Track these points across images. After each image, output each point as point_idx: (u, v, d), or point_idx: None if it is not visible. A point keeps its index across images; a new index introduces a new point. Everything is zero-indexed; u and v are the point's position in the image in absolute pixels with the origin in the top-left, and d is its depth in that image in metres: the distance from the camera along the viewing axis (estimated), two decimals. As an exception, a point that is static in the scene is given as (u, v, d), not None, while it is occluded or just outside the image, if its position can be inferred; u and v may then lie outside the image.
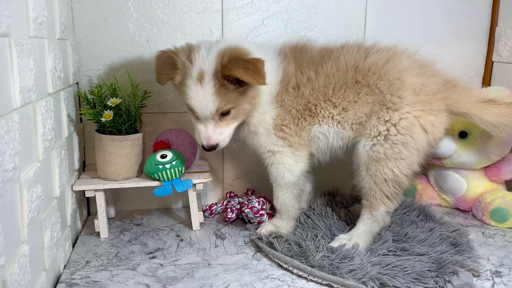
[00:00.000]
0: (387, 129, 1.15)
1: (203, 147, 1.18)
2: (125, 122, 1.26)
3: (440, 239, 1.24)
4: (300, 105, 1.19)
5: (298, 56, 1.21)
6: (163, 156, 1.29)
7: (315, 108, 1.19)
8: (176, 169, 1.28)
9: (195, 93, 1.11)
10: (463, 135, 1.39)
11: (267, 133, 1.22)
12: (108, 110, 1.23)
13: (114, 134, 1.26)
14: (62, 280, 1.08)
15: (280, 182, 1.26)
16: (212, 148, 1.17)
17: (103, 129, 1.28)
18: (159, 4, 1.39)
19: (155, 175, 1.28)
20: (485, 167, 1.46)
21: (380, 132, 1.15)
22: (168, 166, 1.28)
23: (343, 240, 1.20)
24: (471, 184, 1.47)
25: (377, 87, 1.15)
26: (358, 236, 1.20)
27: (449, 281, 1.04)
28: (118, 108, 1.25)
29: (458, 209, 1.54)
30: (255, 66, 1.05)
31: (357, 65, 1.17)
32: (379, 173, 1.16)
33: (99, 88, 1.26)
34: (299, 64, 1.20)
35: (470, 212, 1.50)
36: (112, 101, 1.24)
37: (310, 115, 1.20)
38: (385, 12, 1.52)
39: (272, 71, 1.16)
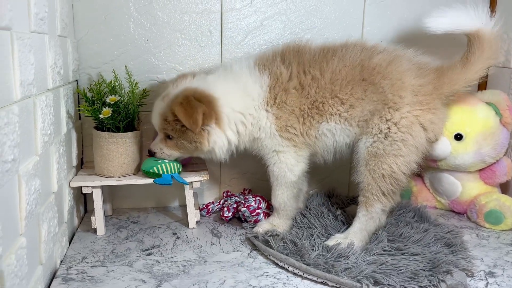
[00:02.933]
0: (388, 128, 1.18)
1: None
2: (123, 120, 1.27)
3: (435, 240, 1.25)
4: (305, 104, 1.21)
5: (297, 56, 1.23)
6: None
7: (323, 106, 1.20)
8: (173, 164, 1.29)
9: (155, 105, 1.26)
10: (458, 137, 1.40)
11: (270, 136, 1.24)
12: (106, 107, 1.24)
13: (112, 131, 1.27)
14: (58, 275, 1.08)
15: (281, 181, 1.27)
16: (151, 152, 1.30)
17: (101, 127, 1.29)
18: (159, 3, 1.40)
19: (154, 168, 1.28)
20: (480, 170, 1.47)
21: (381, 130, 1.18)
22: (166, 161, 1.29)
23: (338, 238, 1.21)
24: (466, 187, 1.48)
25: (381, 86, 1.18)
26: (354, 234, 1.22)
27: (442, 280, 1.05)
28: (116, 106, 1.26)
29: (453, 211, 1.55)
30: (191, 112, 1.15)
31: (363, 63, 1.19)
32: (377, 168, 1.19)
33: (98, 86, 1.27)
34: (299, 64, 1.22)
35: (464, 214, 1.52)
36: (110, 98, 1.25)
37: (318, 113, 1.21)
38: (382, 15, 1.54)
39: (249, 86, 1.22)
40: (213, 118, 1.19)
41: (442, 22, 1.25)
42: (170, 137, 1.25)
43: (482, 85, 1.61)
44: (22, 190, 0.82)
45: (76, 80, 1.38)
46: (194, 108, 1.15)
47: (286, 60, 1.23)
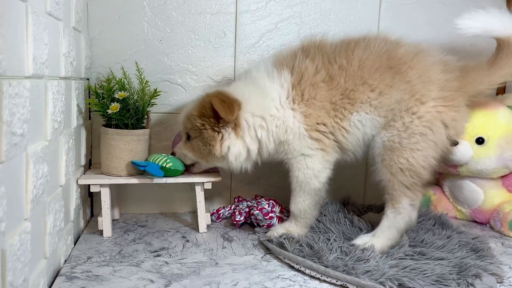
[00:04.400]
0: (411, 121, 1.13)
1: None
2: (132, 117, 1.24)
3: (459, 246, 1.18)
4: (336, 96, 1.16)
5: (320, 49, 1.19)
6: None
7: (353, 94, 1.16)
8: (166, 158, 1.26)
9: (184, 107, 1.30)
10: (480, 141, 1.35)
11: (299, 137, 1.18)
12: (115, 103, 1.21)
13: (121, 128, 1.24)
14: (62, 273, 1.02)
15: (305, 188, 1.21)
16: (173, 155, 1.30)
17: (109, 123, 1.25)
18: (174, 4, 1.40)
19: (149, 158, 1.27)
20: (502, 177, 1.42)
21: (404, 123, 1.14)
22: (164, 154, 1.28)
23: (365, 237, 1.16)
24: (488, 194, 1.42)
25: (408, 75, 1.14)
26: (382, 232, 1.16)
27: (472, 284, 0.98)
28: (125, 102, 1.23)
29: (475, 221, 1.48)
30: (230, 102, 1.14)
31: (389, 53, 1.16)
32: (394, 163, 1.14)
33: (108, 82, 1.25)
34: (323, 56, 1.18)
35: (487, 225, 1.45)
36: (119, 94, 1.22)
37: (350, 102, 1.16)
38: (397, 20, 1.52)
39: (267, 86, 1.18)
40: (231, 126, 1.17)
41: (474, 25, 1.22)
42: (189, 138, 1.23)
43: (500, 90, 1.57)
44: (29, 171, 0.78)
45: (88, 79, 1.36)
46: (231, 99, 1.14)
47: (309, 54, 1.19)
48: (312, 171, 1.19)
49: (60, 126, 0.99)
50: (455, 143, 1.30)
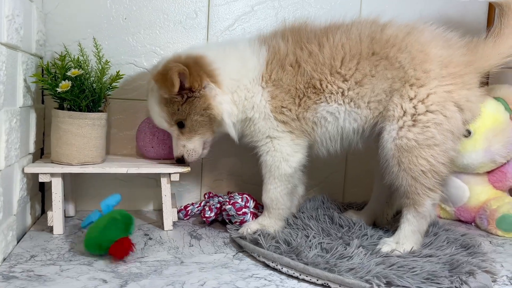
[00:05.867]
0: (414, 107, 1.01)
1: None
2: (87, 99, 1.10)
3: (448, 242, 1.10)
4: (301, 83, 1.07)
5: (296, 32, 1.11)
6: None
7: (320, 84, 1.06)
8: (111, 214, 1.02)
9: (149, 104, 1.14)
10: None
11: (264, 117, 1.09)
12: (66, 81, 1.07)
13: (74, 111, 1.10)
14: (-2, 273, 0.87)
15: (275, 173, 1.10)
16: (180, 160, 1.15)
17: (62, 106, 1.11)
18: (142, -21, 1.28)
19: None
20: (488, 173, 1.34)
21: (405, 111, 1.02)
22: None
23: (390, 243, 1.04)
24: (474, 191, 1.35)
25: (398, 61, 1.03)
26: (406, 238, 1.04)
27: (465, 282, 0.89)
28: (80, 81, 1.09)
29: (460, 220, 1.40)
30: (165, 75, 1.02)
31: (373, 36, 1.05)
32: (414, 166, 1.02)
33: (62, 59, 1.11)
34: (297, 40, 1.09)
35: (472, 224, 1.37)
36: (72, 72, 1.08)
37: (315, 92, 1.07)
38: (380, 6, 1.44)
39: (247, 55, 1.10)
40: (204, 77, 1.06)
41: None
42: (182, 123, 1.11)
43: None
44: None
45: (41, 58, 1.22)
46: (168, 69, 1.03)
47: (285, 36, 1.11)
48: (281, 153, 1.10)
49: (-2, 99, 0.85)
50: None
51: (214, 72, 1.07)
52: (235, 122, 1.11)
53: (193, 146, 1.13)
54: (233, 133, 1.12)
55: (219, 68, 1.08)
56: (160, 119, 1.11)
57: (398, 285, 0.87)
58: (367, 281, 0.87)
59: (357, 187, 1.50)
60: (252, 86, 1.09)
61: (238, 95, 1.09)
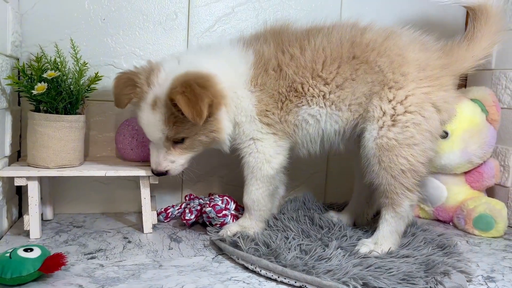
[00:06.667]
0: (393, 108, 1.03)
1: (152, 171, 1.11)
2: (64, 101, 1.09)
3: (425, 243, 1.11)
4: (283, 87, 1.07)
5: (277, 36, 1.11)
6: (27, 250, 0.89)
7: (302, 87, 1.07)
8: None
9: (146, 117, 1.05)
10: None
11: (250, 120, 1.09)
12: (42, 83, 1.05)
13: (50, 113, 1.08)
14: (-31, 279, 0.85)
15: (257, 174, 1.11)
16: (161, 174, 1.10)
17: (38, 109, 1.10)
18: (120, -21, 1.27)
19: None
20: (466, 173, 1.37)
21: (385, 112, 1.03)
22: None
23: (368, 244, 1.05)
24: (452, 191, 1.37)
25: (377, 65, 1.04)
26: (385, 239, 1.06)
27: (440, 283, 0.90)
28: (56, 83, 1.08)
29: (438, 219, 1.42)
30: (195, 102, 0.96)
31: (354, 40, 1.06)
32: (394, 164, 1.03)
33: (38, 60, 1.09)
34: (279, 44, 1.09)
35: (450, 223, 1.39)
36: (48, 73, 1.06)
37: (296, 95, 1.07)
38: (360, 7, 1.45)
39: (235, 59, 1.09)
40: (222, 104, 1.04)
41: None
42: (182, 140, 1.07)
43: (463, 84, 1.53)
44: None
45: (17, 59, 1.20)
46: (199, 97, 0.97)
47: (267, 39, 1.11)
48: (264, 155, 1.10)
49: (-30, 102, 0.83)
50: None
51: (223, 92, 1.04)
52: (230, 137, 1.10)
53: (183, 161, 1.10)
54: (227, 149, 1.11)
55: (224, 86, 1.05)
56: (159, 133, 1.05)
57: (375, 286, 0.88)
58: (344, 282, 0.88)
59: (338, 187, 1.51)
60: (242, 92, 1.08)
61: (230, 107, 1.07)
